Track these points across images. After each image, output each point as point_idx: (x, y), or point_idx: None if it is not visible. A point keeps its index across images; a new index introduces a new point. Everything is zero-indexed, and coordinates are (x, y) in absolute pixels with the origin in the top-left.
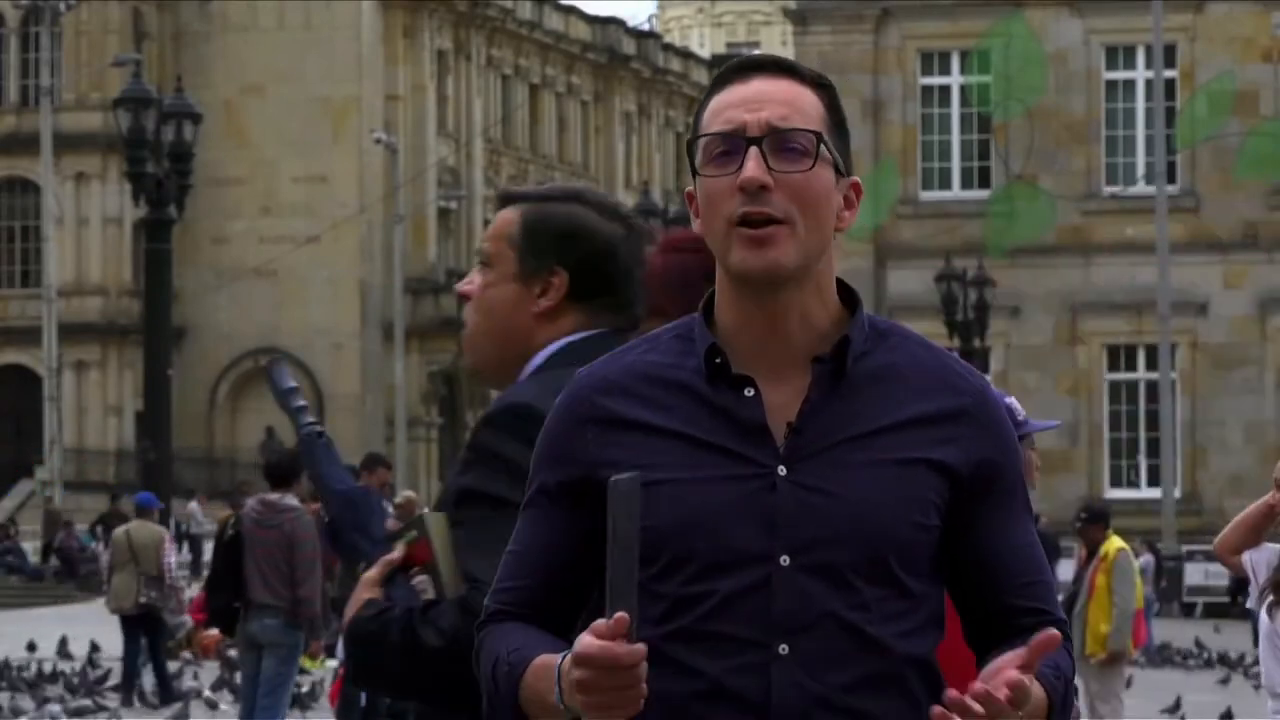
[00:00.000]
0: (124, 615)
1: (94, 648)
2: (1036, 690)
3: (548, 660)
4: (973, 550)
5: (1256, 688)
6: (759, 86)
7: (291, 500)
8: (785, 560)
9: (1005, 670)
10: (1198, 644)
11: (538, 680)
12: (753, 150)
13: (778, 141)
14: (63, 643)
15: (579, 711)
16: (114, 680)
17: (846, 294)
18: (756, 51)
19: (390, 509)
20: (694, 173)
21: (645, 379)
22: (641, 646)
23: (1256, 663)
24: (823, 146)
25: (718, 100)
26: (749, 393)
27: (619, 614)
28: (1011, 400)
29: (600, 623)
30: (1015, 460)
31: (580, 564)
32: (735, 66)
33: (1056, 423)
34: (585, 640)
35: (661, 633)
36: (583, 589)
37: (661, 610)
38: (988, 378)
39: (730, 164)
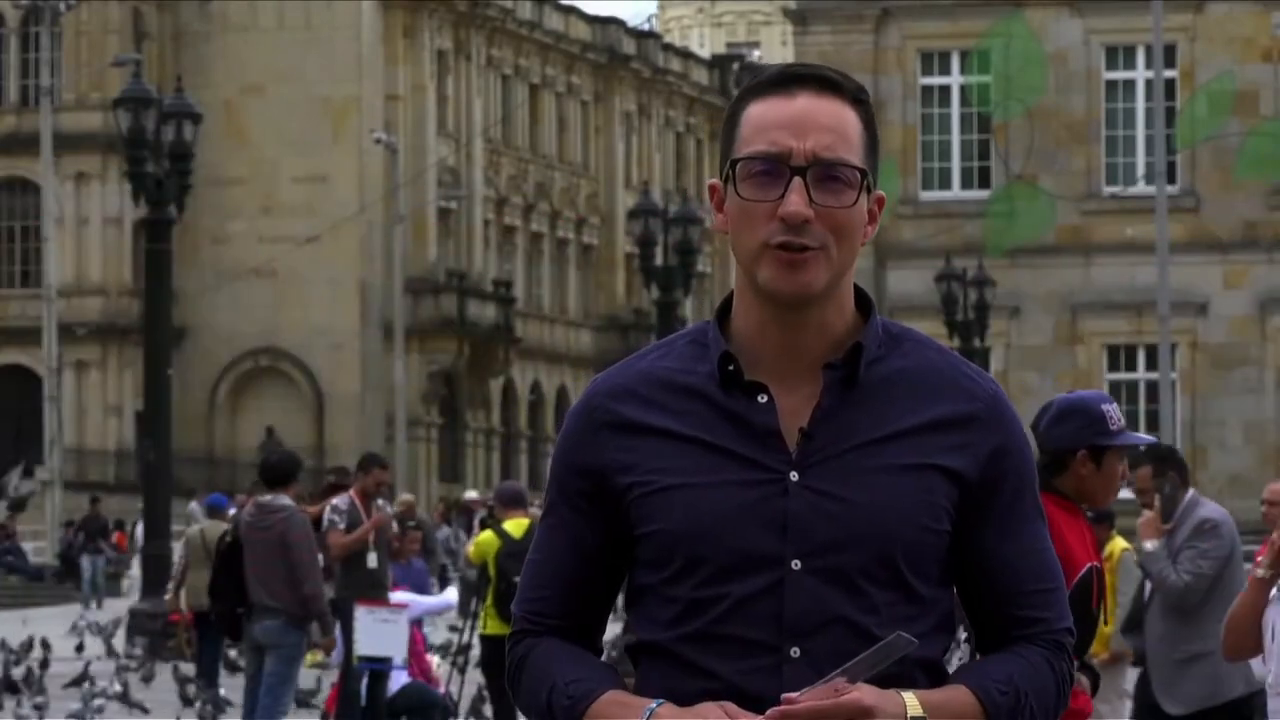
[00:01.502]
0: (200, 613)
1: (45, 646)
2: (963, 697)
3: (621, 700)
4: (981, 556)
5: None
6: (804, 105)
7: (284, 501)
8: (797, 564)
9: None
10: None
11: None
12: (796, 182)
13: (821, 172)
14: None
15: None
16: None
17: (860, 299)
18: (755, 56)
19: (389, 508)
20: (726, 178)
21: (659, 384)
22: None
23: None
24: (865, 180)
25: (760, 112)
26: (762, 399)
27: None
28: (1111, 407)
29: (731, 707)
30: (1027, 466)
31: (600, 568)
32: (779, 76)
33: (1152, 438)
34: None
35: (674, 635)
36: (605, 592)
37: (675, 612)
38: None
39: (771, 187)
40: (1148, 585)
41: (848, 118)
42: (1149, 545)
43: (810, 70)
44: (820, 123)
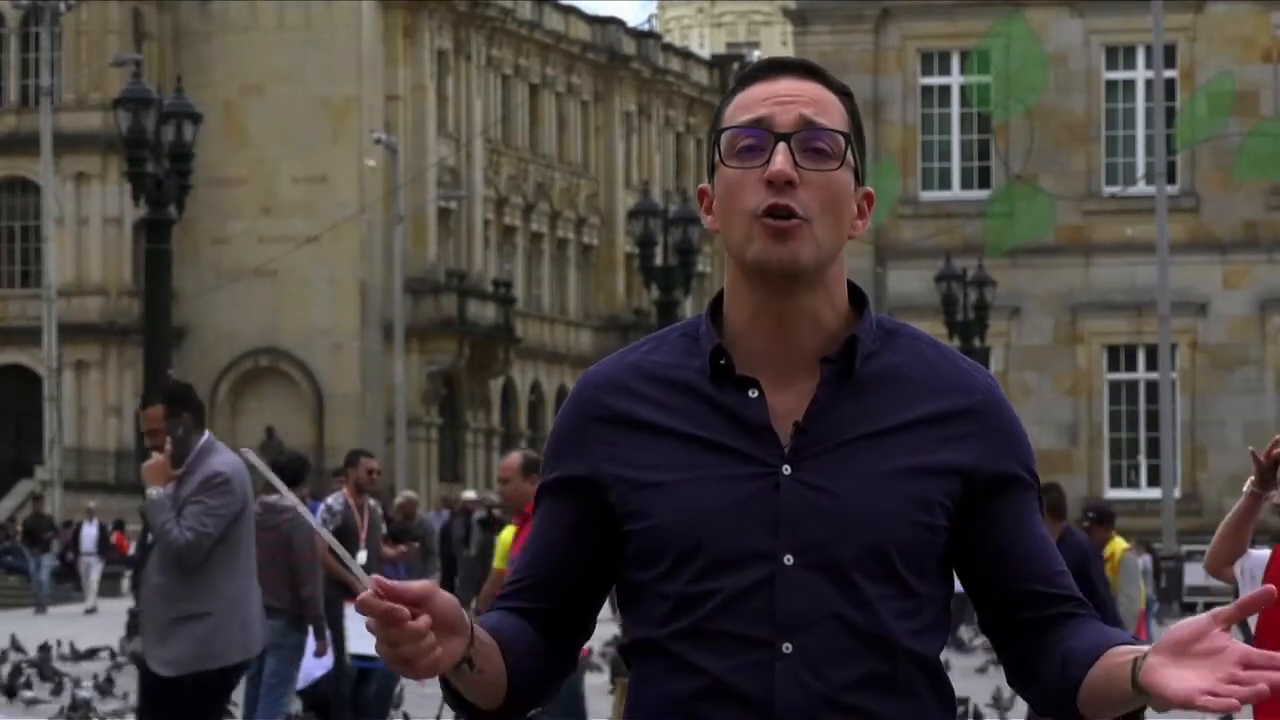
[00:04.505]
0: None
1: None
2: None
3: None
4: (995, 544)
5: None
6: (788, 84)
7: (289, 501)
8: (789, 559)
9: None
10: None
11: None
12: (781, 145)
13: (805, 139)
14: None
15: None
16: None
17: (854, 294)
18: (755, 56)
19: (380, 507)
20: (711, 167)
21: (650, 378)
22: (399, 617)
23: None
24: (848, 149)
25: (744, 96)
26: (753, 394)
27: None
28: None
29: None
30: (1027, 455)
31: (584, 560)
32: (763, 65)
33: None
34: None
35: (667, 631)
36: (588, 588)
37: (667, 609)
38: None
39: (756, 158)
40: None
41: (831, 99)
42: (154, 492)
43: (794, 60)
44: (804, 95)
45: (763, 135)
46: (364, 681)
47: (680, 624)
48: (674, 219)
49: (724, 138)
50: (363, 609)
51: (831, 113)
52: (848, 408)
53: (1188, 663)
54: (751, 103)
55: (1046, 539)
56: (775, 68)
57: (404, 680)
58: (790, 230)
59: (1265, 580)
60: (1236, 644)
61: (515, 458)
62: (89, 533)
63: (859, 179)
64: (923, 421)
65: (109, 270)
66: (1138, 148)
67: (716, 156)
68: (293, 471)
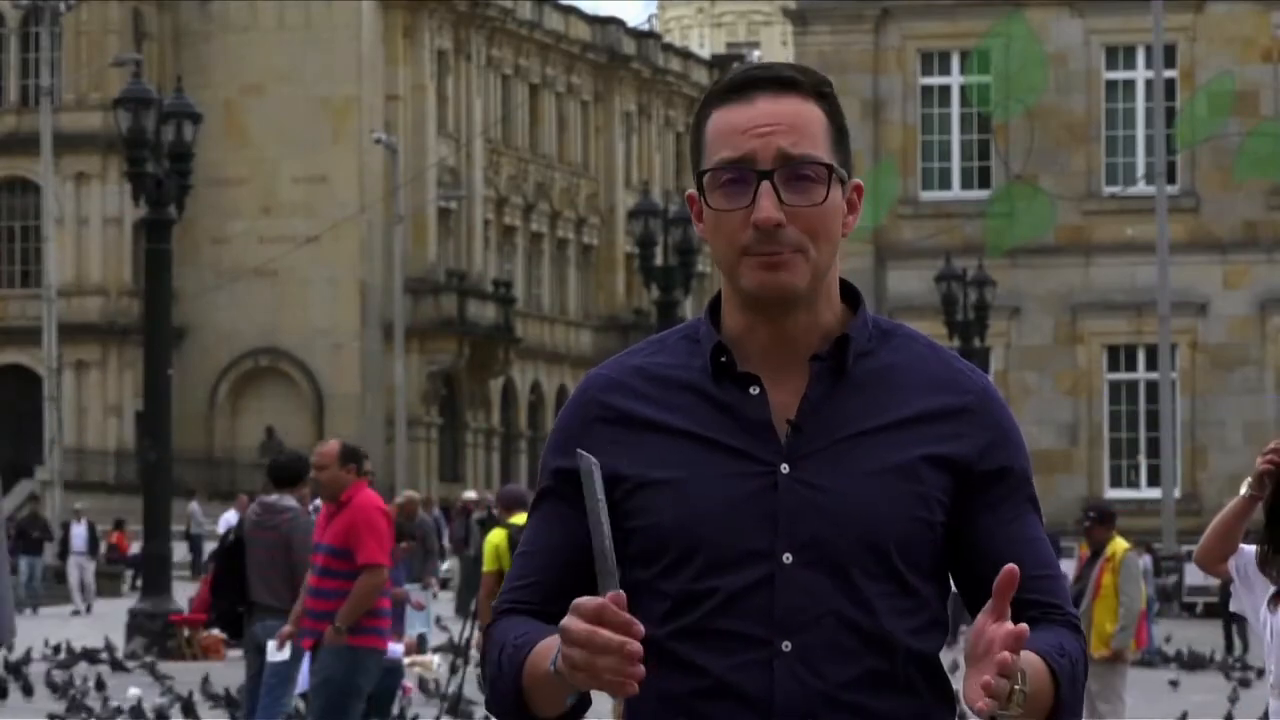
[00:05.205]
0: None
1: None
2: (1035, 661)
3: (550, 642)
4: (980, 544)
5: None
6: (764, 108)
7: (289, 502)
8: (788, 558)
9: (993, 648)
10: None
11: (540, 657)
12: (765, 186)
13: (789, 173)
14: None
15: (573, 682)
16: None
17: (849, 292)
18: (755, 56)
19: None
20: (700, 190)
21: (653, 379)
22: (637, 633)
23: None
24: (832, 175)
25: (721, 119)
26: (754, 391)
27: (613, 593)
28: None
29: (586, 601)
30: (1020, 456)
31: (588, 561)
32: (735, 83)
33: None
34: (571, 621)
35: (666, 630)
36: (592, 588)
37: (666, 608)
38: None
39: (740, 195)
40: None
41: (809, 114)
42: None
43: (766, 72)
44: (781, 123)
45: (745, 173)
46: None
47: (680, 623)
48: (674, 219)
49: (706, 177)
50: (589, 614)
51: (813, 133)
52: (842, 406)
53: (980, 668)
54: (730, 132)
55: (1033, 541)
56: (748, 85)
57: (404, 682)
58: (782, 263)
59: None
60: (1001, 629)
61: (333, 445)
62: (78, 533)
63: (847, 176)
64: (917, 419)
65: (109, 270)
66: (1138, 148)
67: (699, 185)
68: (293, 471)
